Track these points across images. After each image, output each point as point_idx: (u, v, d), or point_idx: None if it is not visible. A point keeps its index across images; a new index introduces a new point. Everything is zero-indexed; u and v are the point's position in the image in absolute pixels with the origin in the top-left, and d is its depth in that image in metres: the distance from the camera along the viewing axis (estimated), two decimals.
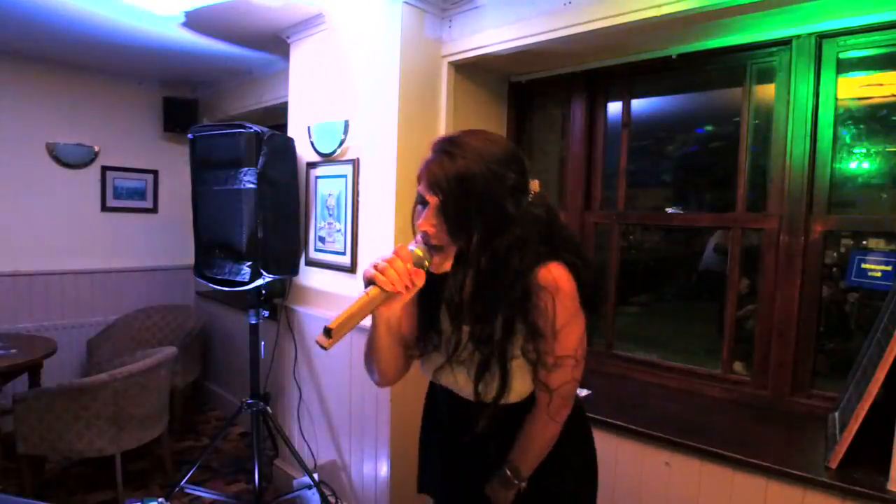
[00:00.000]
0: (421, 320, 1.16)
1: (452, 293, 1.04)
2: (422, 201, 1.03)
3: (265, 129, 2.29)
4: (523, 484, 1.14)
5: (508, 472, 1.14)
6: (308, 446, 2.64)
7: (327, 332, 0.93)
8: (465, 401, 1.14)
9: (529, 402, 1.14)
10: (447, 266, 1.03)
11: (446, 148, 1.01)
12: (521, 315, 1.02)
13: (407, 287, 0.98)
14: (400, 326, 1.11)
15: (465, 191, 0.97)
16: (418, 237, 1.03)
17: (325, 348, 0.94)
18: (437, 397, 1.30)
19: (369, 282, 0.98)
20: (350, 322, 0.96)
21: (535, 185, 1.06)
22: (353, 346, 2.36)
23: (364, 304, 0.97)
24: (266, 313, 2.53)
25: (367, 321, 1.04)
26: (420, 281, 1.01)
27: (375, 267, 0.98)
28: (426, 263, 1.01)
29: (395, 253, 0.99)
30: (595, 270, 1.14)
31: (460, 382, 1.14)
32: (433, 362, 1.18)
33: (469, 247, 0.99)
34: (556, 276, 1.02)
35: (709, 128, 2.31)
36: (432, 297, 1.12)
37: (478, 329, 1.04)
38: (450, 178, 0.97)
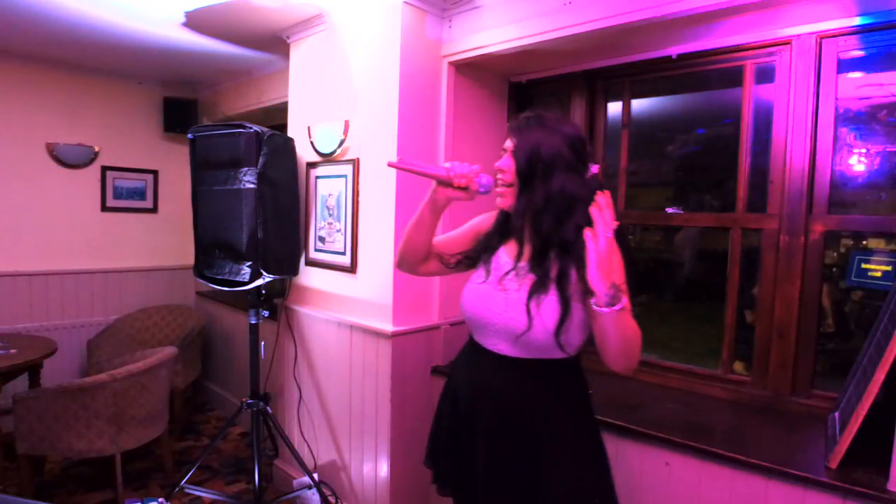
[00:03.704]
0: (476, 249, 1.44)
1: (516, 212, 1.30)
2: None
3: (265, 129, 2.29)
4: (618, 308, 1.07)
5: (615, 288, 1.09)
6: (308, 446, 2.65)
7: (399, 160, 1.29)
8: (513, 360, 1.28)
9: (573, 366, 1.32)
10: (509, 202, 1.29)
11: (530, 116, 1.31)
12: (576, 263, 1.22)
13: (460, 185, 1.29)
14: (439, 215, 1.38)
15: (532, 147, 1.25)
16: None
17: (392, 165, 1.29)
18: (480, 365, 1.36)
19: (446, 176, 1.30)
20: (415, 166, 1.31)
21: (594, 168, 1.29)
22: (352, 346, 2.36)
23: (431, 168, 1.32)
24: (266, 313, 2.53)
25: None
26: (472, 188, 1.30)
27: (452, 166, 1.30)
28: (479, 188, 1.31)
29: (469, 167, 1.30)
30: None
31: (510, 305, 1.27)
32: (480, 290, 1.35)
33: (529, 191, 1.26)
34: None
35: (708, 128, 2.31)
36: (493, 240, 1.40)
37: (536, 248, 1.28)
38: (529, 138, 1.27)
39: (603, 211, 1.06)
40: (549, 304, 1.22)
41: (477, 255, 1.43)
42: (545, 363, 1.28)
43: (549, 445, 1.27)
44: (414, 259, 1.46)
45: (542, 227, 1.25)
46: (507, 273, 1.32)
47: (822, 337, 1.85)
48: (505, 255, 1.36)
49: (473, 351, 1.40)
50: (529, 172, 1.24)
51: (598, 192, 1.09)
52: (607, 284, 1.06)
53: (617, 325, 1.09)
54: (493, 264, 1.36)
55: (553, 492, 1.25)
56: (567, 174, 1.23)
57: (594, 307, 1.09)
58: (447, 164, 1.31)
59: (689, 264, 2.43)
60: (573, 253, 1.22)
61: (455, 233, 1.51)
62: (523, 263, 1.30)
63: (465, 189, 1.30)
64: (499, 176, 1.30)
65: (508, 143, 1.30)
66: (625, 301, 1.08)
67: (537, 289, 1.23)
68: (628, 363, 1.16)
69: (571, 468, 1.27)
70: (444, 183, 1.31)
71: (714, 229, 2.25)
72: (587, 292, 1.16)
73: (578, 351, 1.30)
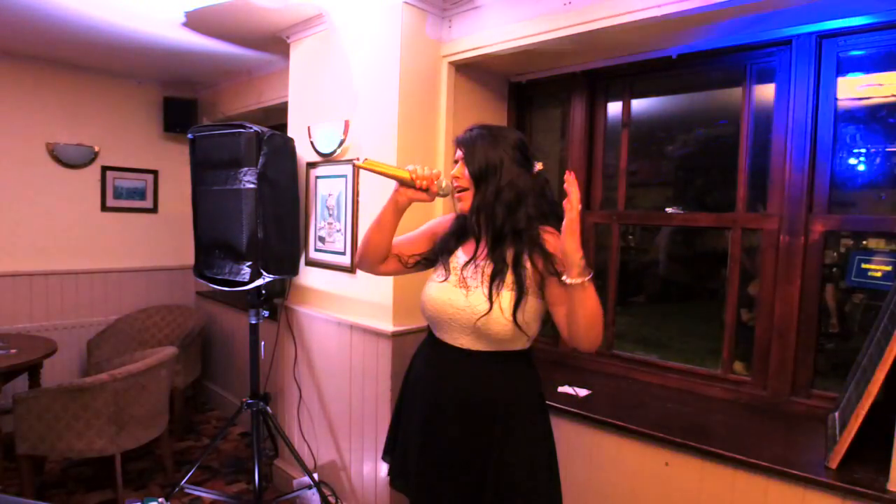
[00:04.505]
0: (433, 251, 1.52)
1: (471, 211, 1.39)
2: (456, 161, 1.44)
3: (265, 129, 2.29)
4: (588, 278, 1.19)
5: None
6: (308, 446, 2.65)
7: (364, 161, 1.39)
8: (475, 352, 1.37)
9: (528, 358, 1.43)
10: (468, 205, 1.38)
11: (474, 127, 1.42)
12: (529, 249, 1.33)
13: (422, 187, 1.39)
14: (400, 216, 1.47)
15: (481, 152, 1.36)
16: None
17: (358, 166, 1.42)
18: (444, 362, 1.43)
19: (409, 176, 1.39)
20: (380, 166, 1.40)
21: (538, 165, 1.40)
22: (352, 346, 2.36)
23: (395, 170, 1.41)
24: (266, 313, 2.53)
25: None
26: (433, 189, 1.40)
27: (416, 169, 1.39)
28: (439, 190, 1.42)
29: (430, 170, 1.41)
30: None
31: (472, 299, 1.34)
32: (441, 288, 1.42)
33: (482, 190, 1.36)
34: (549, 230, 1.37)
35: (709, 128, 2.31)
36: (451, 243, 1.48)
37: (492, 240, 1.36)
38: (476, 146, 1.38)
39: (571, 186, 1.17)
40: (507, 290, 1.32)
41: (434, 255, 1.52)
42: (504, 355, 1.37)
43: (506, 432, 1.35)
44: (374, 259, 1.52)
45: (495, 218, 1.34)
46: (466, 264, 1.40)
47: (822, 337, 1.85)
48: (463, 255, 1.45)
49: (434, 347, 1.46)
50: (481, 175, 1.35)
51: (567, 171, 1.21)
52: (580, 254, 1.17)
53: (586, 298, 1.20)
54: (453, 263, 1.45)
55: (506, 472, 1.34)
56: (514, 169, 1.35)
57: (567, 280, 1.20)
58: (409, 167, 1.39)
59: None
60: (526, 241, 1.34)
61: (413, 234, 1.58)
62: (481, 258, 1.39)
63: (426, 191, 1.40)
64: (455, 184, 1.40)
65: (459, 154, 1.41)
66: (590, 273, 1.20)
67: (496, 275, 1.33)
68: (595, 339, 1.25)
69: (526, 450, 1.36)
70: (406, 184, 1.40)
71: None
72: (541, 283, 1.33)
73: (531, 342, 1.41)
